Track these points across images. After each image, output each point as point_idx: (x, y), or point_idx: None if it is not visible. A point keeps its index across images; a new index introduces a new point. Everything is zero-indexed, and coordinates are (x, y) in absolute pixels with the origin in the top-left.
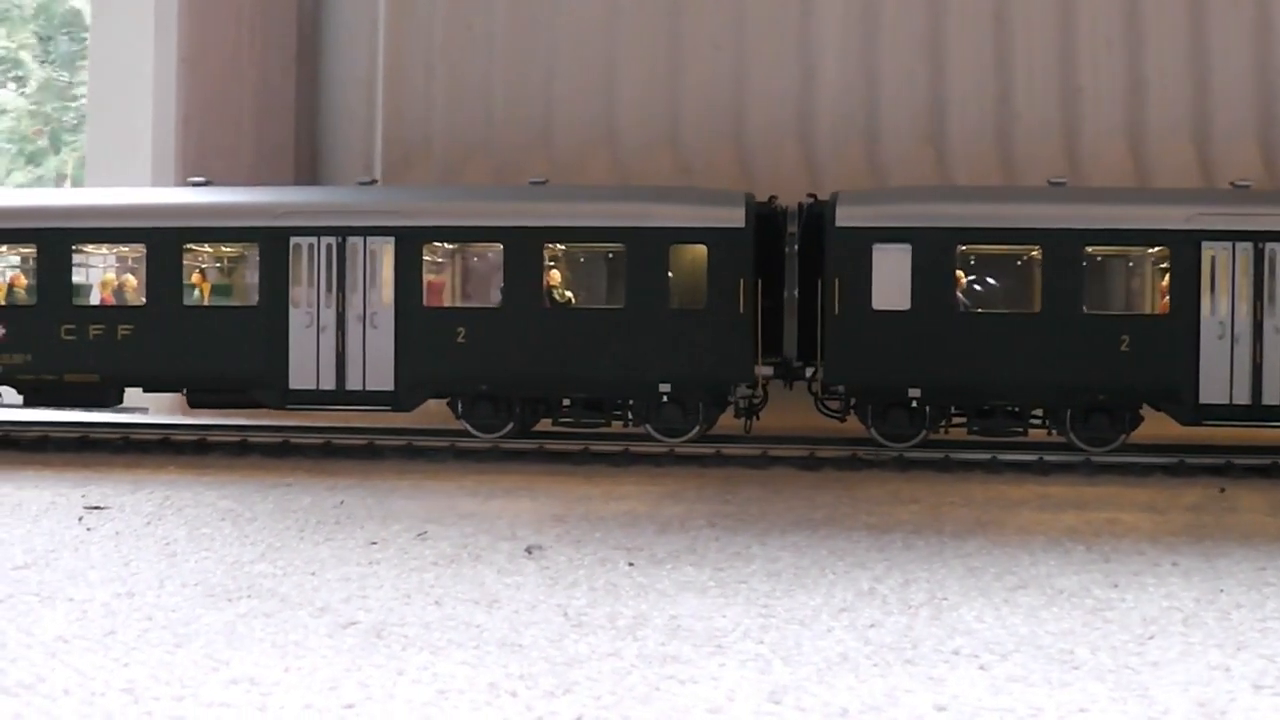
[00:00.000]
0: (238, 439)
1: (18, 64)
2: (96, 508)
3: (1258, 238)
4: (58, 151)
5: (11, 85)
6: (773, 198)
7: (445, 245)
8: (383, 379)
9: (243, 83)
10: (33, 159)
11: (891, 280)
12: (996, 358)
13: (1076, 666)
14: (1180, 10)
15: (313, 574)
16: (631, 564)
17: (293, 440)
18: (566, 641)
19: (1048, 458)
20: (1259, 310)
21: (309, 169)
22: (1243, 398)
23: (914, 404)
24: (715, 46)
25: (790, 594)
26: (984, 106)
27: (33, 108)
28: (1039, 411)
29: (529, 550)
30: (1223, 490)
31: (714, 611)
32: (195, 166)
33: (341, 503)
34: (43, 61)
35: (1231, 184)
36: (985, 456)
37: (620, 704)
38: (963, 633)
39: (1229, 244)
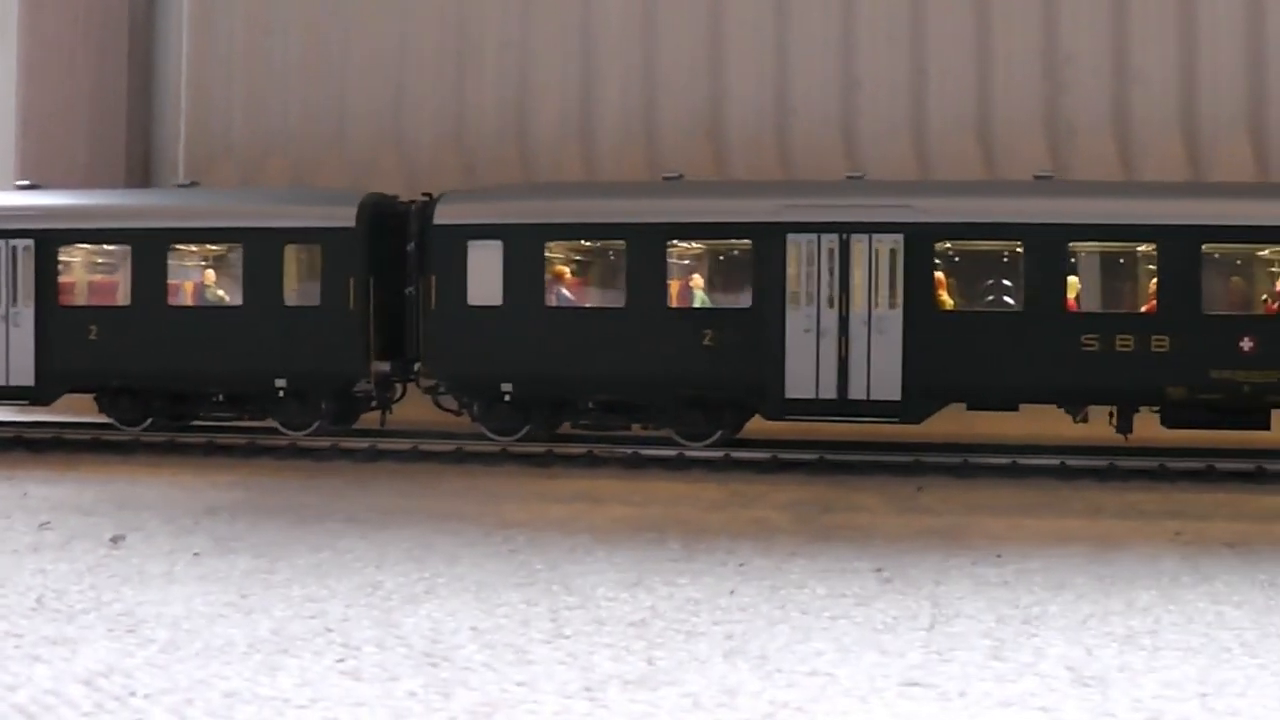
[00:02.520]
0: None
1: None
2: None
3: (844, 229)
4: None
5: None
6: (394, 196)
7: (80, 247)
8: (24, 375)
9: (78, 87)
10: None
11: (485, 276)
12: (584, 353)
13: (439, 661)
14: (962, 1)
15: None
16: (197, 554)
17: (65, 436)
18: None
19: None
20: (844, 303)
21: (141, 170)
22: (829, 392)
23: (507, 398)
24: (502, 44)
25: (289, 585)
26: (762, 102)
27: None
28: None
29: (113, 540)
30: (920, 489)
31: (181, 600)
32: (34, 169)
33: (25, 494)
34: None
35: (848, 176)
36: (719, 455)
37: None
38: (387, 625)
39: (815, 236)
